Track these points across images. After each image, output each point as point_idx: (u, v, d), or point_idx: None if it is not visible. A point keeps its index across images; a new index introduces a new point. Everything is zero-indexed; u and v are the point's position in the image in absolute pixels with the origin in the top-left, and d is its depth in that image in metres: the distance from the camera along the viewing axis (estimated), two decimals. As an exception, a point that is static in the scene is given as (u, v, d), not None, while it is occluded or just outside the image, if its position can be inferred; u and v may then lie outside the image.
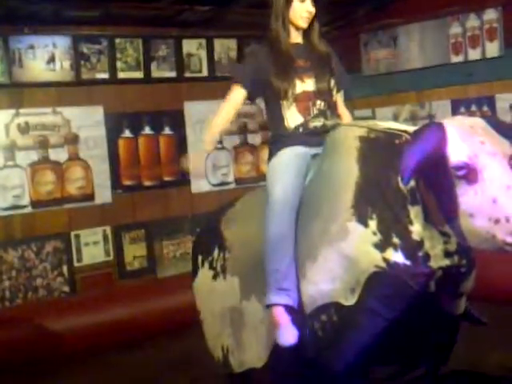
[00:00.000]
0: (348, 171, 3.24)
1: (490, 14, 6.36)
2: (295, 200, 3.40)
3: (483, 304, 3.73)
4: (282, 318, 3.32)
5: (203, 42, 6.79)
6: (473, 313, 3.43)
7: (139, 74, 6.47)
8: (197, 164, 3.70)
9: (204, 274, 3.95)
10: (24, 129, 5.87)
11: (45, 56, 5.97)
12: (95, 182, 6.24)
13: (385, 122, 3.41)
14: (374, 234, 3.12)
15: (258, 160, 7.11)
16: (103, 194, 6.28)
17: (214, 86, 6.82)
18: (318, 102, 3.53)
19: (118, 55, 6.35)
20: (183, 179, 6.55)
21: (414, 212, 3.06)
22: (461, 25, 6.54)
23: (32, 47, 5.90)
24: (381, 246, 3.11)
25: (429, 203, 3.03)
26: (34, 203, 5.94)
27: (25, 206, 5.89)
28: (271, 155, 3.59)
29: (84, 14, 5.90)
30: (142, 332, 5.73)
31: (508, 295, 5.59)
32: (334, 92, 3.63)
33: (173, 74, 6.66)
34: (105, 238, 6.30)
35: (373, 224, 3.13)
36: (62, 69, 6.06)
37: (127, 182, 6.44)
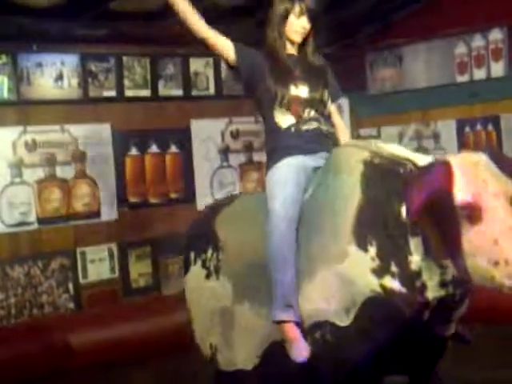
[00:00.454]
0: (351, 194, 3.26)
1: (496, 34, 6.39)
2: (295, 213, 3.44)
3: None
4: (294, 333, 3.36)
5: (210, 60, 6.83)
6: (459, 331, 3.44)
7: (146, 92, 6.51)
8: None
9: (196, 271, 3.95)
10: (31, 146, 5.91)
11: (53, 74, 6.02)
12: (101, 199, 6.27)
13: (388, 145, 3.42)
14: (373, 259, 3.16)
15: (263, 178, 7.11)
16: (109, 211, 6.30)
17: (221, 104, 6.88)
18: (310, 109, 3.60)
19: (126, 73, 6.40)
20: (189, 196, 6.59)
21: (414, 243, 3.09)
22: (466, 45, 6.57)
23: (40, 65, 5.95)
24: (379, 272, 3.14)
25: (432, 237, 3.05)
26: (41, 220, 5.96)
27: (31, 223, 5.91)
28: (269, 167, 3.64)
29: (92, 32, 5.94)
30: (147, 349, 5.73)
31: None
32: (328, 103, 3.69)
33: (180, 93, 6.70)
34: (110, 255, 6.31)
35: (372, 250, 3.16)
36: (69, 86, 6.10)
37: (133, 200, 6.47)
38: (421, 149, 6.75)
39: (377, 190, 3.21)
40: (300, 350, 3.33)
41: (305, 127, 3.59)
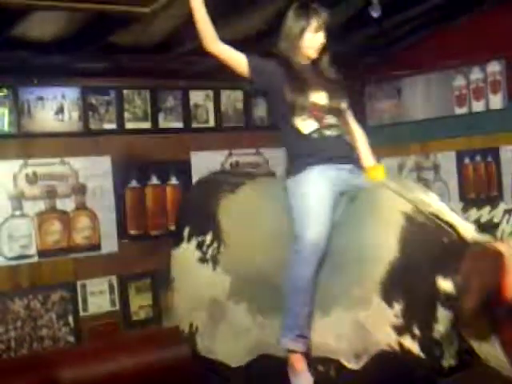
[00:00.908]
0: (386, 245, 3.22)
1: (494, 67, 6.43)
2: (325, 245, 3.37)
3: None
4: (300, 365, 3.36)
5: (210, 93, 6.87)
6: None
7: (147, 125, 6.54)
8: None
9: (189, 250, 3.91)
10: (32, 179, 5.92)
11: (53, 107, 6.04)
12: (102, 231, 6.26)
13: (429, 197, 3.36)
14: (396, 316, 3.15)
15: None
16: (109, 244, 6.29)
17: (221, 136, 6.90)
18: (330, 115, 3.59)
19: (126, 106, 6.43)
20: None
21: (444, 315, 3.07)
22: (465, 77, 6.61)
23: (41, 98, 5.97)
24: (399, 330, 3.15)
25: (474, 320, 2.98)
26: (41, 253, 5.95)
27: (31, 256, 5.91)
28: (290, 174, 3.59)
29: (92, 65, 5.97)
30: (148, 382, 5.69)
31: None
32: (346, 114, 3.72)
33: (180, 125, 6.73)
34: (110, 287, 6.30)
35: (397, 307, 3.15)
36: (70, 119, 6.13)
37: (133, 232, 6.46)
38: (421, 180, 6.77)
39: (415, 252, 3.16)
40: (303, 382, 3.32)
41: (327, 133, 3.55)
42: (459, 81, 6.65)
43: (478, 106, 6.55)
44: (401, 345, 3.12)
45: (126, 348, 5.99)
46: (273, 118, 3.80)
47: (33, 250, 5.92)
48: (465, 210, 6.51)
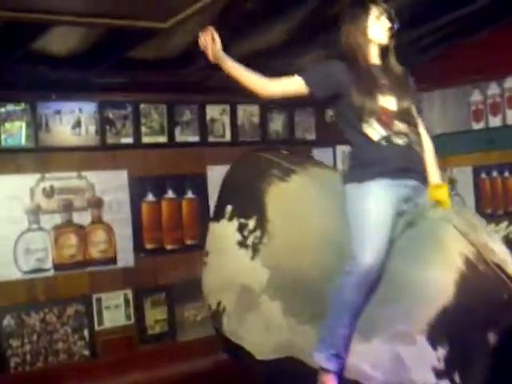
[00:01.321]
0: (442, 287, 3.14)
1: (511, 82, 6.42)
2: (379, 270, 3.25)
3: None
4: None
5: (227, 107, 6.89)
6: None
7: (163, 139, 6.55)
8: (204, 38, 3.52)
9: (229, 229, 3.76)
10: (49, 193, 5.94)
11: (71, 121, 6.06)
12: (118, 245, 6.27)
13: (493, 239, 3.28)
14: (438, 360, 3.08)
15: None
16: (125, 258, 6.30)
17: (237, 150, 6.85)
18: (400, 122, 3.41)
19: (143, 120, 6.45)
20: (205, 243, 6.57)
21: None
22: (481, 92, 6.60)
23: (59, 112, 6.00)
24: (439, 374, 3.08)
25: None
26: (57, 266, 5.96)
27: (48, 270, 5.92)
28: (351, 180, 3.44)
29: (109, 80, 6.00)
30: (163, 397, 5.69)
31: None
32: (415, 114, 3.53)
33: (196, 139, 6.74)
34: (126, 301, 6.29)
35: (441, 351, 3.09)
36: (87, 134, 6.15)
37: (149, 246, 6.46)
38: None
39: (471, 301, 3.10)
40: None
41: (397, 141, 3.39)
42: (476, 96, 6.64)
43: (494, 122, 6.53)
44: None
45: (140, 362, 5.99)
46: (338, 123, 3.55)
47: (49, 264, 5.93)
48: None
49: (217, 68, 6.17)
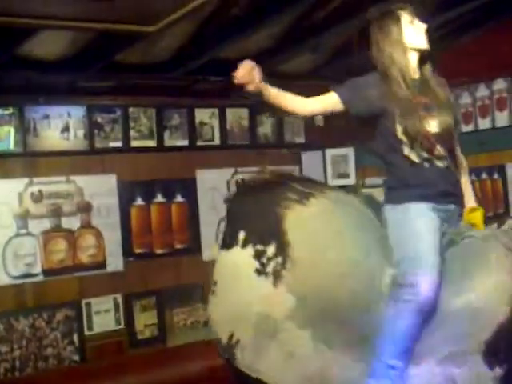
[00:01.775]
0: (496, 307, 3.12)
1: (500, 84, 6.43)
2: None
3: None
4: None
5: (216, 111, 6.88)
6: None
7: (152, 143, 6.53)
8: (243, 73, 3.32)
9: (243, 257, 3.53)
10: (37, 197, 5.91)
11: (59, 125, 6.04)
12: (107, 249, 6.25)
13: None
14: (495, 380, 3.05)
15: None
16: (115, 262, 6.28)
17: (226, 154, 6.90)
18: (440, 144, 3.31)
19: (132, 124, 6.42)
20: (195, 247, 6.58)
21: None
22: (470, 95, 6.61)
23: (47, 117, 5.98)
24: None
25: None
26: (46, 271, 5.94)
27: (36, 275, 5.89)
28: (391, 201, 3.36)
29: (98, 84, 5.99)
30: (153, 402, 5.67)
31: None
32: (455, 134, 3.42)
33: (185, 143, 6.72)
34: (116, 306, 6.27)
35: (499, 371, 3.06)
36: (75, 138, 6.12)
37: (139, 250, 6.44)
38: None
39: None
40: None
41: (438, 163, 3.29)
42: (465, 98, 6.64)
43: (484, 124, 6.53)
44: None
45: (131, 367, 5.97)
46: (375, 143, 3.40)
47: (38, 269, 5.90)
48: (471, 227, 6.47)
49: (205, 72, 6.21)
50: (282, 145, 7.23)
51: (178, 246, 6.62)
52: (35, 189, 5.92)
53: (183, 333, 6.53)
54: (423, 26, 3.37)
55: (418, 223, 3.24)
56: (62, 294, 6.00)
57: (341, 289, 3.34)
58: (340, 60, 6.40)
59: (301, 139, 7.38)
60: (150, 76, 6.06)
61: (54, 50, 5.36)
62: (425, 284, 3.11)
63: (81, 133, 6.15)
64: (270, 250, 3.48)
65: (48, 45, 5.23)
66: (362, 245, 3.42)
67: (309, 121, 6.94)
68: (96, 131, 6.23)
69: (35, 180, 5.91)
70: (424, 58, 3.41)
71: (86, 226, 6.17)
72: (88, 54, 5.39)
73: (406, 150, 3.28)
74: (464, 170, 3.55)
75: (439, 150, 3.30)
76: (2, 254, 5.76)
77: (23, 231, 5.87)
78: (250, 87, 3.32)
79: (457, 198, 3.40)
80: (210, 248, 6.42)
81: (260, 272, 3.49)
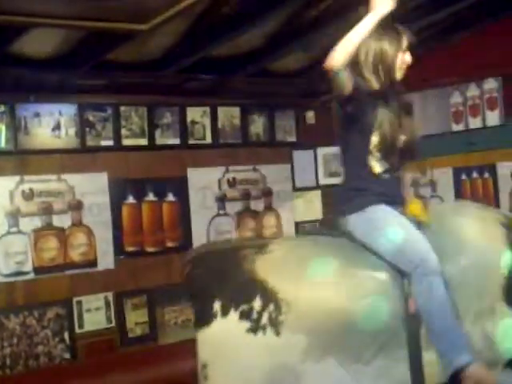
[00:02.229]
0: (498, 253, 3.34)
1: (490, 84, 6.45)
2: None
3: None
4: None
5: (207, 109, 6.88)
6: None
7: (143, 141, 6.53)
8: None
9: (229, 324, 3.42)
10: (28, 195, 5.91)
11: (50, 123, 6.03)
12: (98, 247, 6.25)
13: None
14: None
15: (259, 226, 7.13)
16: (106, 260, 6.28)
17: (218, 153, 6.91)
18: (400, 157, 3.48)
19: (123, 123, 6.43)
20: (186, 245, 6.59)
21: None
22: (461, 94, 6.63)
23: (38, 115, 5.97)
24: None
25: None
26: (37, 269, 5.93)
27: (27, 273, 5.89)
28: (353, 209, 3.45)
29: (89, 82, 5.99)
30: (144, 400, 5.67)
31: None
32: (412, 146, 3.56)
33: (177, 141, 6.72)
34: (107, 304, 6.27)
35: None
36: (67, 136, 6.12)
37: (130, 248, 6.45)
38: (418, 196, 6.77)
39: None
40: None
41: (395, 174, 3.48)
42: (456, 98, 6.66)
43: (474, 123, 6.56)
44: None
45: (122, 365, 5.97)
46: (343, 147, 3.51)
47: (29, 267, 5.90)
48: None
49: (197, 70, 6.21)
50: (273, 144, 7.24)
51: (169, 245, 6.63)
52: (26, 187, 5.91)
53: (174, 331, 6.53)
54: (409, 60, 3.51)
55: (389, 217, 3.40)
56: (52, 292, 5.99)
57: (343, 303, 3.35)
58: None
59: (292, 138, 7.39)
60: (142, 74, 6.06)
61: (46, 48, 5.36)
62: (431, 254, 3.28)
63: (72, 131, 6.14)
64: (257, 303, 3.39)
65: (39, 43, 5.22)
66: (342, 261, 3.43)
67: (300, 119, 6.97)
68: (87, 129, 6.22)
69: (26, 178, 5.91)
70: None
71: (77, 224, 6.17)
72: (79, 52, 5.39)
73: (373, 163, 3.42)
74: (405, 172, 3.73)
75: (398, 161, 3.48)
76: (-8, 252, 5.76)
77: (14, 229, 5.86)
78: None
79: (404, 201, 3.58)
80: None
81: (255, 329, 3.38)
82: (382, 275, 3.37)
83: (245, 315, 3.38)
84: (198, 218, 6.77)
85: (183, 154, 6.73)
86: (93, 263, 6.22)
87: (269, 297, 3.37)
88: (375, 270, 3.39)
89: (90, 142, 6.25)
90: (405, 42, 3.47)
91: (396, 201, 3.49)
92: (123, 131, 6.42)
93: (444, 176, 6.78)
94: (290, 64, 6.31)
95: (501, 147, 6.34)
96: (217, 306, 3.44)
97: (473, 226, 3.42)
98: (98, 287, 6.22)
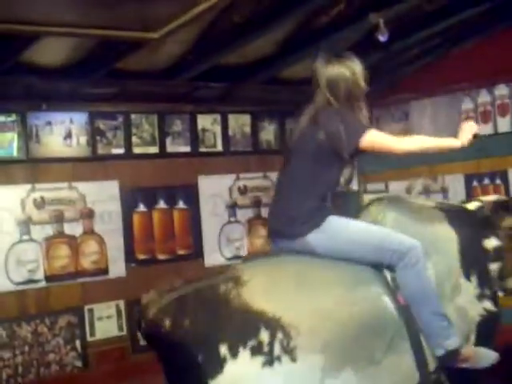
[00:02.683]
0: (448, 236, 3.77)
1: (502, 90, 6.43)
2: None
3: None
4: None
5: (218, 117, 6.89)
6: None
7: (154, 149, 6.55)
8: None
9: (240, 366, 3.26)
10: (40, 204, 5.92)
11: (62, 132, 6.06)
12: (109, 255, 6.26)
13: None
14: (475, 287, 3.77)
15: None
16: (117, 268, 6.29)
17: (228, 160, 6.91)
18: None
19: (134, 131, 6.45)
20: (197, 252, 6.59)
21: (495, 267, 3.88)
22: (472, 100, 6.61)
23: (49, 123, 6.00)
24: (480, 298, 3.78)
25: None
26: (49, 277, 5.95)
27: (39, 281, 5.90)
28: (311, 228, 3.51)
29: (100, 91, 6.00)
30: (155, 408, 5.66)
31: None
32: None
33: (187, 149, 6.74)
34: (118, 312, 6.28)
35: (474, 279, 3.78)
36: (78, 144, 6.14)
37: (141, 256, 6.46)
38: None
39: (464, 230, 3.81)
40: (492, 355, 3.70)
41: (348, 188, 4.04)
42: (467, 104, 6.64)
43: (486, 129, 6.53)
44: (485, 309, 3.77)
45: (133, 373, 5.97)
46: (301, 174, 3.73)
47: (40, 275, 5.91)
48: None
49: (207, 78, 6.21)
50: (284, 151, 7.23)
51: (180, 252, 6.63)
52: (38, 195, 5.93)
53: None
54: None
55: (351, 223, 3.63)
56: (64, 300, 6.01)
57: (345, 312, 3.40)
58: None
59: (303, 145, 7.36)
60: (152, 82, 6.07)
61: (57, 57, 5.37)
62: (414, 242, 3.52)
63: (83, 139, 6.16)
64: (264, 336, 3.29)
65: (51, 51, 5.24)
66: (323, 272, 3.51)
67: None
68: (98, 138, 6.24)
69: (38, 186, 5.93)
70: None
71: (89, 232, 6.18)
72: (90, 60, 5.39)
73: (341, 177, 3.72)
74: None
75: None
76: (4, 261, 5.77)
77: (26, 237, 5.88)
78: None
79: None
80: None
81: (270, 362, 3.28)
82: (369, 276, 3.54)
83: (256, 350, 3.27)
84: (209, 225, 6.77)
85: (194, 161, 6.74)
86: (104, 271, 6.23)
87: (274, 325, 3.29)
88: (360, 273, 3.52)
89: (101, 151, 6.27)
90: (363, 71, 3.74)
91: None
92: (134, 139, 6.44)
93: (455, 183, 6.75)
94: (300, 71, 6.30)
95: (512, 153, 6.33)
96: (223, 349, 3.27)
97: (415, 216, 3.79)
98: (110, 295, 6.23)
